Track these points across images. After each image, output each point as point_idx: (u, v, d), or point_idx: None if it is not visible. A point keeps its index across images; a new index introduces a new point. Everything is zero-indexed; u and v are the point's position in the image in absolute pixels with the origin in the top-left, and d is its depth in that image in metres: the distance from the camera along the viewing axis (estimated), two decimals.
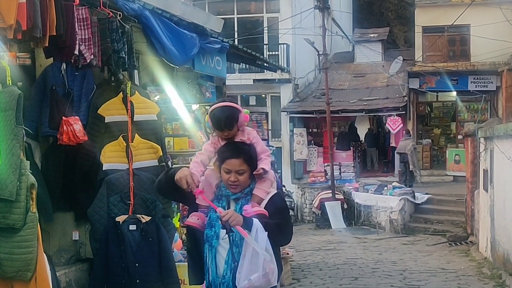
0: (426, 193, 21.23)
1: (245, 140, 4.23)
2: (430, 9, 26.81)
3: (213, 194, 4.21)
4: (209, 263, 4.09)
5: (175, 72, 8.78)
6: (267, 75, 23.35)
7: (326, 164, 25.29)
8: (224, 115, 4.19)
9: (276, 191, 4.31)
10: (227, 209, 4.09)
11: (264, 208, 4.13)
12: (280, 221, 4.13)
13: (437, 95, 27.81)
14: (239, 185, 4.12)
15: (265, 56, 21.68)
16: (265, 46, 26.75)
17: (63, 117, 6.17)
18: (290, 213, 4.59)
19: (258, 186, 4.20)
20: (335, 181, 23.09)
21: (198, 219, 4.14)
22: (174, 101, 8.81)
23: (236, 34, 26.36)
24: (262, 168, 4.17)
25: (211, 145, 4.31)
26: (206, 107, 10.22)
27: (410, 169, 23.56)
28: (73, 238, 7.16)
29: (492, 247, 13.24)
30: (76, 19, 5.97)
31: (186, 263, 7.59)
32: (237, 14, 27.31)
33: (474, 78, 25.63)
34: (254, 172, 4.15)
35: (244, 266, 3.89)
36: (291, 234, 4.33)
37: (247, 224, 3.93)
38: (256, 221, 3.95)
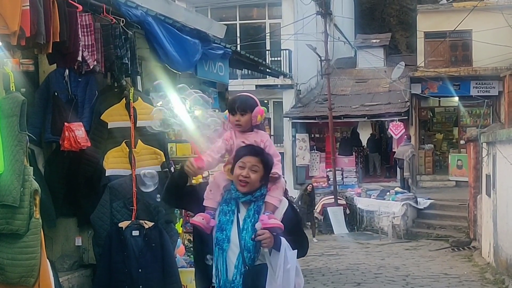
0: (429, 198, 21.24)
1: (259, 142, 4.20)
2: (432, 14, 26.86)
3: (220, 196, 4.19)
4: (219, 266, 4.06)
5: (178, 78, 8.78)
6: (270, 80, 23.39)
7: (328, 169, 25.32)
8: (239, 98, 4.28)
9: (287, 203, 4.27)
10: (236, 213, 4.10)
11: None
12: (297, 237, 4.16)
13: (439, 100, 27.82)
14: (249, 183, 4.06)
15: (267, 62, 21.71)
16: (267, 52, 26.79)
17: (65, 123, 6.18)
18: None
19: (271, 194, 4.17)
20: (337, 186, 23.13)
21: (203, 219, 4.09)
22: (177, 107, 8.80)
23: (238, 40, 26.38)
24: (277, 173, 4.18)
25: (223, 141, 4.25)
26: (209, 113, 10.25)
27: (404, 176, 23.58)
28: (76, 244, 7.17)
29: (495, 252, 13.22)
30: (79, 25, 5.98)
31: (188, 269, 7.64)
32: (240, 20, 27.36)
33: (476, 83, 25.64)
34: (270, 174, 4.14)
35: (277, 285, 3.91)
36: (308, 247, 4.34)
37: (276, 244, 3.96)
38: (284, 240, 3.97)
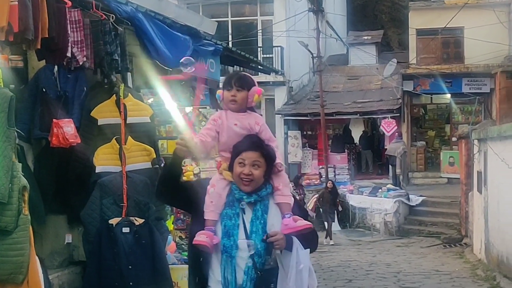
0: (421, 195, 21.29)
1: (253, 125, 3.85)
2: (424, 11, 26.91)
3: (224, 205, 3.83)
4: (227, 275, 3.74)
5: (169, 75, 8.76)
6: (261, 77, 23.30)
7: (320, 166, 25.31)
8: (237, 73, 4.07)
9: (293, 198, 3.97)
10: (242, 216, 3.80)
11: None
12: (307, 233, 3.86)
13: (431, 98, 27.86)
14: (253, 181, 3.77)
15: (259, 58, 21.68)
16: (259, 48, 26.75)
17: (54, 120, 6.14)
18: None
19: (283, 192, 3.86)
20: None
21: (207, 237, 3.73)
22: (167, 104, 8.79)
23: (230, 37, 26.33)
24: (281, 164, 3.91)
25: (211, 122, 3.92)
26: (200, 110, 10.22)
27: (397, 173, 23.65)
28: (66, 241, 7.14)
29: (486, 249, 13.26)
30: (68, 21, 5.95)
31: (179, 266, 7.62)
32: (231, 17, 27.28)
33: (468, 81, 25.70)
34: (274, 164, 3.85)
35: (290, 287, 3.70)
36: (318, 241, 4.15)
37: (289, 245, 3.73)
38: (295, 239, 3.74)
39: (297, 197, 20.27)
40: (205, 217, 3.82)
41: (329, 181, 21.15)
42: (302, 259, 3.73)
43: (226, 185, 3.86)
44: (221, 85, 4.04)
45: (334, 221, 19.86)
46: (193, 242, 3.74)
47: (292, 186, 21.00)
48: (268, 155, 3.82)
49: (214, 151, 4.04)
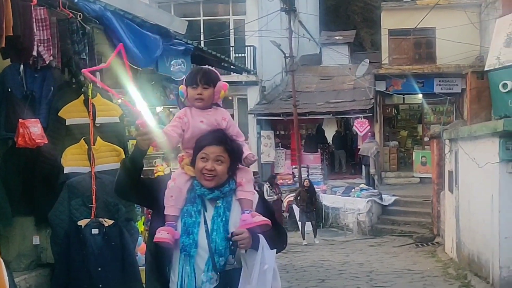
0: (393, 195, 21.41)
1: (220, 121, 3.71)
2: (396, 12, 27.04)
3: (184, 201, 3.66)
4: (184, 275, 3.58)
5: (139, 74, 8.67)
6: (234, 77, 23.27)
7: (294, 166, 25.37)
8: (201, 69, 3.85)
9: (258, 195, 3.83)
10: (203, 213, 3.63)
11: None
12: (274, 231, 3.74)
13: (403, 98, 28.03)
14: (216, 176, 3.61)
15: (231, 58, 21.61)
16: (231, 48, 26.71)
17: (20, 120, 6.04)
18: None
19: (244, 188, 3.71)
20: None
21: (168, 233, 3.57)
22: (137, 104, 8.70)
23: (202, 36, 26.27)
24: (253, 155, 3.77)
25: (176, 119, 3.75)
26: (171, 110, 10.15)
27: (371, 173, 23.74)
28: (33, 243, 7.01)
29: (457, 248, 13.34)
30: (34, 19, 5.85)
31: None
32: (203, 16, 27.20)
33: (440, 81, 25.90)
34: (245, 157, 3.69)
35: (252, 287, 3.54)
36: (287, 240, 4.03)
37: (255, 244, 3.54)
38: (262, 238, 3.56)
39: (275, 197, 20.29)
40: (165, 213, 3.65)
41: (306, 180, 20.91)
42: (267, 260, 3.56)
43: (187, 180, 3.71)
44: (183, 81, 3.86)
45: (314, 220, 19.58)
46: (154, 240, 3.58)
47: (268, 186, 20.97)
48: (232, 150, 3.67)
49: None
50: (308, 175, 25.13)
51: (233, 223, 3.64)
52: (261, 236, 3.58)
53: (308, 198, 19.48)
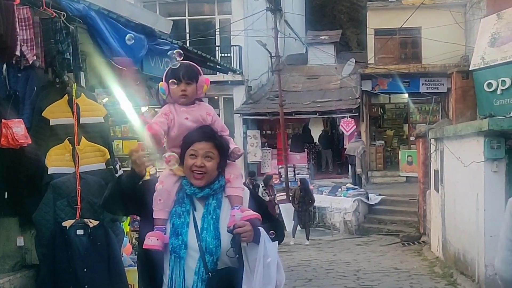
0: (380, 194, 21.46)
1: (205, 116, 3.67)
2: (381, 11, 27.10)
3: (173, 203, 3.59)
4: (175, 277, 3.50)
5: (123, 74, 8.63)
6: (219, 77, 23.22)
7: (280, 166, 25.36)
8: (183, 65, 3.72)
9: (248, 190, 3.75)
10: (192, 212, 3.56)
11: None
12: (270, 224, 3.69)
13: (389, 97, 28.08)
14: (206, 173, 3.54)
15: (217, 58, 21.56)
16: (217, 47, 26.67)
17: (3, 120, 5.99)
18: None
19: (233, 184, 3.64)
20: (289, 183, 23.16)
21: (158, 239, 3.49)
22: (122, 104, 8.66)
23: (188, 36, 26.21)
24: (239, 148, 3.72)
25: (162, 115, 3.65)
26: (156, 109, 10.10)
27: (357, 173, 23.78)
28: (18, 244, 6.96)
29: (443, 247, 13.39)
30: (17, 19, 5.80)
31: (136, 268, 7.51)
32: (189, 16, 27.14)
33: (425, 80, 26.00)
34: (231, 151, 3.65)
35: (257, 282, 3.44)
36: (283, 232, 3.95)
37: (256, 236, 3.46)
38: (263, 231, 3.48)
39: (267, 198, 20.18)
40: (154, 216, 3.58)
41: (300, 179, 20.72)
42: (269, 252, 3.48)
43: (175, 181, 3.63)
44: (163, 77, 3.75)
45: (306, 221, 19.09)
46: (143, 247, 3.51)
47: (262, 187, 20.93)
48: (221, 146, 3.61)
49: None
50: (294, 175, 25.17)
51: (223, 220, 3.57)
52: (261, 229, 3.50)
53: (301, 198, 19.02)
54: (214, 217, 3.56)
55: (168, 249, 3.54)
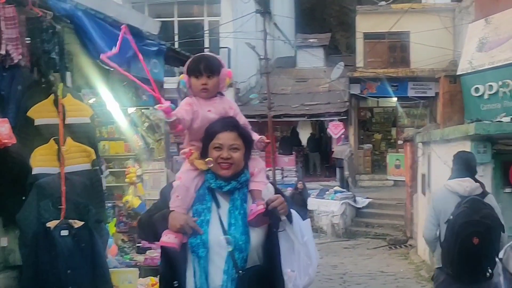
0: (367, 198, 21.49)
1: (227, 110, 3.53)
2: (371, 15, 27.18)
3: (191, 201, 3.42)
4: (197, 279, 3.32)
5: (110, 75, 8.59)
6: None
7: (268, 168, 25.30)
8: (204, 57, 3.57)
9: (272, 186, 3.55)
10: (217, 209, 3.39)
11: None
12: (295, 208, 3.53)
13: (378, 101, 28.18)
14: (233, 164, 3.39)
15: None
16: (206, 49, 26.63)
17: None
18: None
19: (256, 179, 3.48)
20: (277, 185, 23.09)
21: (176, 237, 3.33)
22: (109, 104, 8.63)
23: (176, 37, 26.17)
24: (264, 138, 3.61)
25: (187, 104, 3.48)
26: (142, 110, 10.07)
27: (345, 176, 23.80)
28: (1, 245, 6.90)
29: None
30: (2, 17, 5.76)
31: (121, 269, 7.49)
32: (178, 17, 27.10)
33: (413, 84, 26.10)
34: (257, 140, 3.54)
35: (301, 264, 3.41)
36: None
37: (289, 215, 3.34)
38: (294, 212, 3.38)
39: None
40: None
41: (300, 182, 20.48)
42: (305, 231, 3.43)
43: (195, 177, 3.46)
44: (184, 70, 3.59)
45: None
46: (160, 243, 3.37)
47: None
48: (246, 136, 3.48)
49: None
50: (282, 177, 25.15)
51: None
52: (292, 209, 3.39)
53: (302, 201, 18.76)
54: (241, 212, 3.40)
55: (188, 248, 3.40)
